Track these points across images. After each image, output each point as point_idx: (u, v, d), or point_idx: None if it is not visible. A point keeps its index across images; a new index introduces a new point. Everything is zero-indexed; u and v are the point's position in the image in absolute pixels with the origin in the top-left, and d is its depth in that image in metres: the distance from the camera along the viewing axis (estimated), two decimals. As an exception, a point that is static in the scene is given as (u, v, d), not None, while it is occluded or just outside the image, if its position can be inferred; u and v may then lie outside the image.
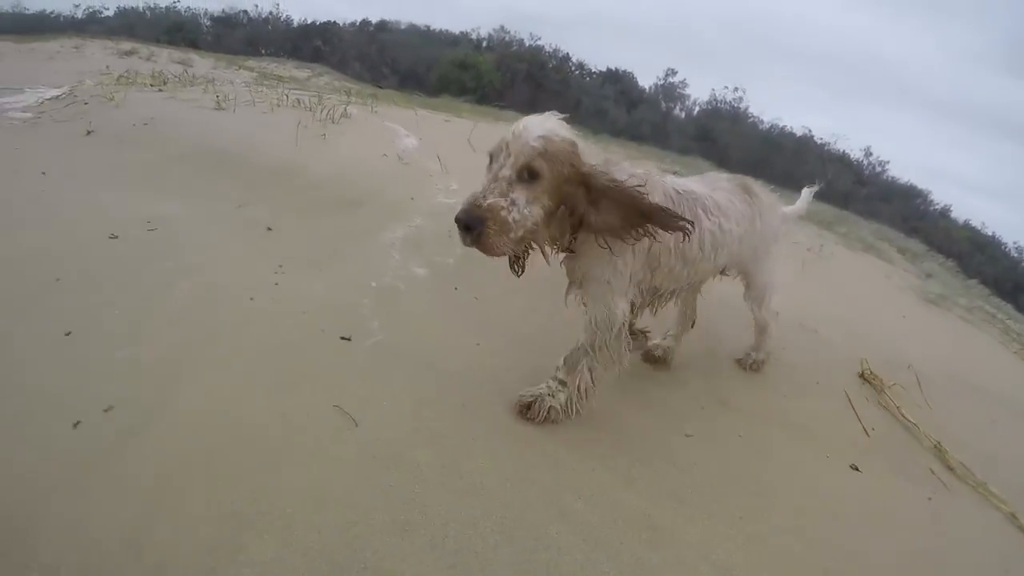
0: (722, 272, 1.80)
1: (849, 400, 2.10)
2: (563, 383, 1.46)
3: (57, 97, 4.81)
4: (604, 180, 1.25)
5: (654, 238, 1.27)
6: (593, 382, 1.46)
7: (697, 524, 1.35)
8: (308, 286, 2.00)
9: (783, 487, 1.59)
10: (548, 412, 1.44)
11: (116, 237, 2.11)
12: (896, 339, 2.94)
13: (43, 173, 2.70)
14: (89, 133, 3.44)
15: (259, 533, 1.09)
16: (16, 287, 1.72)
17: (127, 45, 13.00)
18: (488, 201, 1.15)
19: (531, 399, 1.46)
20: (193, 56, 12.64)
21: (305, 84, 9.50)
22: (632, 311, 1.51)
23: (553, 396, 1.45)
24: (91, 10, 27.04)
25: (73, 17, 25.71)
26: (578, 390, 1.45)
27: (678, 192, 1.47)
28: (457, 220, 1.15)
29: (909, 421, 2.08)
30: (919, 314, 3.84)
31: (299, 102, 4.55)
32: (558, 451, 1.42)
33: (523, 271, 1.41)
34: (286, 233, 2.44)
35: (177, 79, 6.02)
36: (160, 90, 5.02)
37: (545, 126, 1.23)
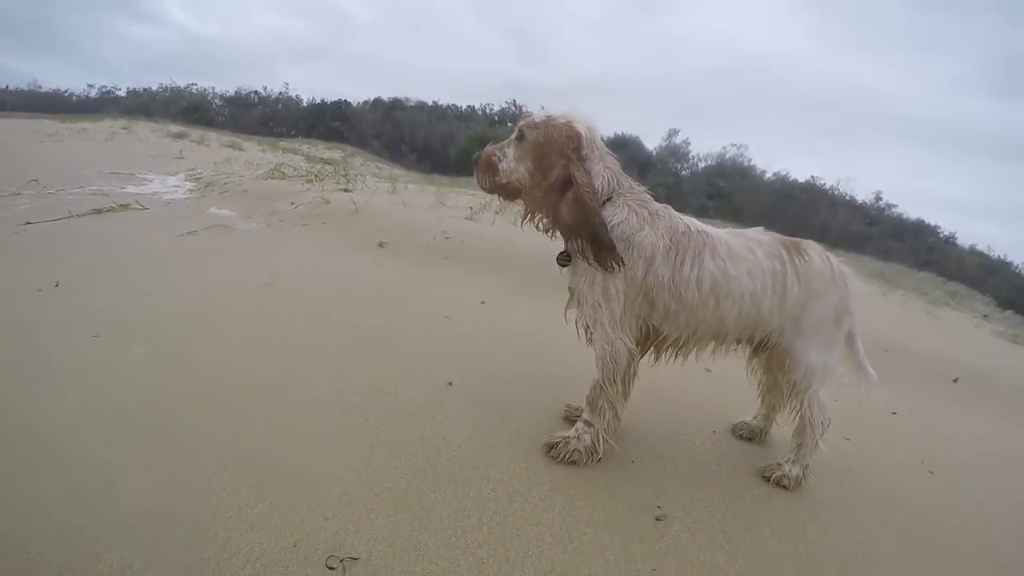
0: (757, 345, 1.53)
1: None
2: (589, 424, 1.45)
3: (195, 190, 4.94)
4: (579, 175, 1.30)
5: (587, 260, 1.31)
6: (617, 419, 1.45)
7: None
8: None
9: None
10: (571, 454, 1.44)
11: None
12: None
13: (482, 303, 2.66)
14: (382, 245, 3.43)
15: None
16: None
17: (174, 128, 13.05)
18: (487, 148, 1.45)
19: (557, 440, 1.47)
20: (239, 140, 12.68)
21: (347, 165, 9.38)
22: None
23: (579, 439, 1.45)
24: (105, 89, 27.10)
25: (87, 96, 25.67)
26: (604, 430, 1.44)
27: (691, 228, 1.40)
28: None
29: None
30: None
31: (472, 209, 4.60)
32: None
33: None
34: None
35: (327, 174, 6.07)
36: (346, 190, 5.06)
37: (563, 111, 1.38)
